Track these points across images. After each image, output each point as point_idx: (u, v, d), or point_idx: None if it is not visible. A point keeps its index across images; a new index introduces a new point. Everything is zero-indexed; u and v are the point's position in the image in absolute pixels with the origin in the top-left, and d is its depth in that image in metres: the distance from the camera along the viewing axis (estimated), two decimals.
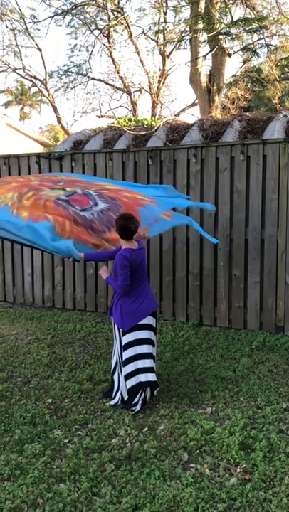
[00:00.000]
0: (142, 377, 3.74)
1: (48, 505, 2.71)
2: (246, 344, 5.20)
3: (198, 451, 3.19)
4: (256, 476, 2.87)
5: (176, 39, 10.64)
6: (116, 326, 3.82)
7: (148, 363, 3.77)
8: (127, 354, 3.74)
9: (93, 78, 17.42)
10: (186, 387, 4.15)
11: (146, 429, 3.50)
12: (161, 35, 14.31)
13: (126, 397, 3.81)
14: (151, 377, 3.77)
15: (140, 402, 3.78)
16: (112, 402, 3.89)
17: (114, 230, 3.84)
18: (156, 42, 15.30)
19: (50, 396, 4.09)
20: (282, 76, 13.15)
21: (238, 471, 2.95)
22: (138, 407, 3.76)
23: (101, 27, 15.10)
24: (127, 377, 3.75)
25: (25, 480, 2.92)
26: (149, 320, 3.77)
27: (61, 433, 3.48)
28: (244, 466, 2.98)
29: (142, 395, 3.80)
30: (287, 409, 3.74)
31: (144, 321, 3.74)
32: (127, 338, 3.74)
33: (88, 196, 4.09)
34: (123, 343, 3.75)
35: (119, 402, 3.86)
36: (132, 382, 3.74)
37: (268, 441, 3.23)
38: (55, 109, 18.54)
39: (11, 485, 2.89)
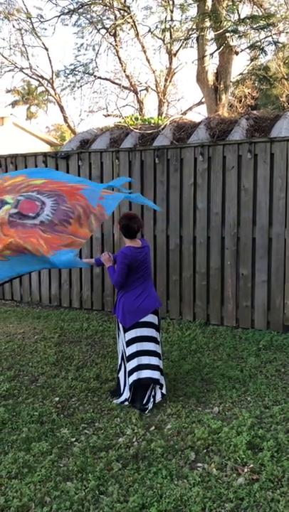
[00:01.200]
0: (144, 373, 3.75)
1: (55, 503, 2.71)
2: (253, 343, 5.18)
3: (205, 450, 3.18)
4: (264, 476, 2.86)
5: (183, 37, 10.58)
6: (119, 323, 3.86)
7: (153, 360, 3.78)
8: (130, 350, 3.78)
9: (100, 77, 17.41)
10: (193, 387, 4.14)
11: (153, 428, 3.50)
12: (167, 34, 14.25)
13: (128, 394, 3.83)
14: (155, 374, 3.77)
15: (151, 399, 3.80)
16: (119, 401, 3.89)
17: (73, 221, 3.64)
18: (163, 40, 15.25)
19: (57, 395, 4.10)
20: None
21: (246, 470, 2.93)
22: (150, 405, 3.78)
23: (107, 26, 15.08)
24: (130, 372, 3.79)
25: (32, 478, 2.93)
26: (150, 318, 3.80)
27: (68, 431, 3.48)
28: (252, 465, 2.97)
29: (152, 393, 3.81)
30: None
31: (145, 319, 3.78)
32: (129, 335, 3.78)
33: (32, 198, 3.84)
34: (126, 339, 3.81)
35: (126, 402, 3.86)
36: (134, 377, 3.77)
37: (276, 441, 3.21)
38: (61, 108, 18.56)
39: (18, 483, 2.90)
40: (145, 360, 3.76)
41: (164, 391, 3.86)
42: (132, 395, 3.83)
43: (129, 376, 3.80)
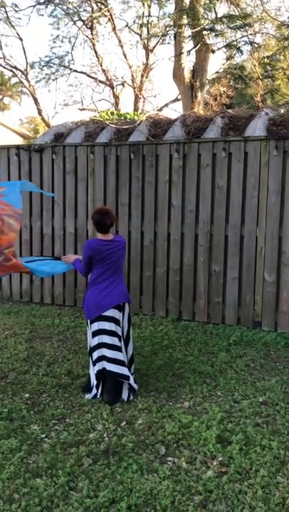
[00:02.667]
0: (110, 367, 3.82)
1: (24, 500, 2.69)
2: (224, 339, 5.26)
3: (175, 444, 3.21)
4: (232, 469, 2.91)
5: (160, 33, 10.59)
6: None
7: (115, 354, 3.82)
8: (94, 342, 3.86)
9: (75, 70, 17.22)
10: (164, 382, 4.17)
11: (124, 423, 3.51)
12: (145, 29, 14.23)
13: (94, 382, 3.91)
14: (124, 370, 3.81)
15: (95, 391, 3.88)
16: (90, 396, 3.89)
17: None
18: (140, 36, 15.21)
19: (28, 391, 4.05)
20: (265, 74, 13.26)
21: (215, 463, 2.98)
22: (90, 396, 3.88)
23: (84, 18, 14.91)
24: (94, 363, 3.88)
25: (0, 475, 2.89)
26: (111, 312, 3.82)
27: (38, 428, 3.45)
28: (220, 458, 3.02)
29: (121, 387, 3.85)
30: (263, 403, 3.80)
31: (108, 313, 3.81)
32: (93, 327, 3.85)
33: None
34: (91, 331, 3.88)
35: (97, 396, 3.87)
36: (97, 367, 3.85)
37: (244, 435, 3.27)
38: (35, 100, 18.25)
39: None
40: (107, 353, 3.82)
41: (132, 392, 3.91)
42: (102, 387, 3.87)
43: (93, 367, 3.90)
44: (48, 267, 4.22)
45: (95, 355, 3.86)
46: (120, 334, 3.87)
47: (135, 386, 3.92)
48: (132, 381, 3.87)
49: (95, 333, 3.85)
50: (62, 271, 4.42)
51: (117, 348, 3.83)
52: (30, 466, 2.99)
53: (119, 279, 3.93)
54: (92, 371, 3.93)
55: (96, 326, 3.83)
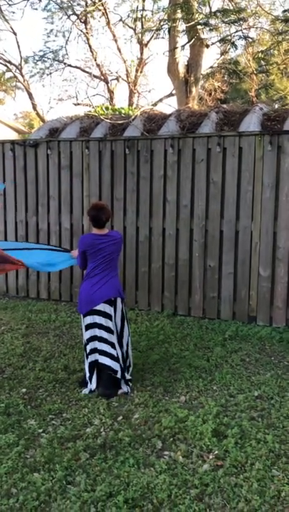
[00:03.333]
0: (103, 359, 3.86)
1: (21, 494, 2.70)
2: (220, 334, 5.29)
3: (172, 439, 3.24)
4: (228, 462, 2.94)
5: (155, 28, 10.53)
6: None
7: (106, 347, 3.85)
8: (87, 335, 3.91)
9: (70, 65, 17.11)
10: (160, 376, 4.19)
11: (120, 417, 3.53)
12: (139, 24, 14.14)
13: (87, 375, 3.96)
14: (116, 366, 3.83)
15: (90, 384, 3.91)
16: (87, 391, 3.91)
17: None
18: (134, 30, 15.13)
19: (25, 386, 4.06)
20: (259, 69, 13.23)
21: (211, 457, 3.01)
22: (86, 390, 3.90)
23: (78, 12, 14.80)
24: (87, 356, 3.93)
25: None
26: (102, 307, 3.84)
27: (35, 423, 3.47)
28: (216, 452, 3.05)
29: (93, 378, 3.92)
30: (258, 397, 3.84)
31: (99, 307, 3.84)
32: (86, 320, 3.90)
33: None
34: (84, 324, 3.92)
35: (92, 390, 3.90)
36: (91, 359, 3.90)
37: (240, 428, 3.30)
38: (30, 95, 18.12)
39: None
40: (99, 345, 3.86)
41: (129, 387, 3.93)
42: (96, 380, 3.91)
43: (86, 360, 3.94)
44: (54, 266, 4.37)
45: (88, 348, 3.92)
46: (113, 329, 3.88)
47: (126, 379, 3.95)
48: (124, 375, 3.91)
49: (87, 327, 3.90)
50: (68, 265, 4.59)
51: (109, 343, 3.86)
52: (28, 461, 3.01)
53: (112, 273, 3.93)
54: (86, 364, 3.97)
55: (88, 319, 3.88)
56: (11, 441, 3.20)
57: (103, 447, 3.15)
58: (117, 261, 4.01)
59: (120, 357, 3.89)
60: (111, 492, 2.71)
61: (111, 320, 3.88)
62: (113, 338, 3.88)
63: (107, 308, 3.86)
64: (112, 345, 3.86)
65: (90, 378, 3.95)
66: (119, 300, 3.95)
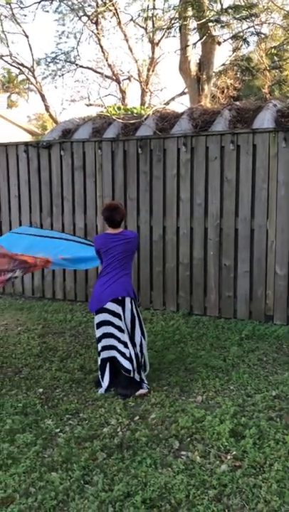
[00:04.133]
0: (116, 355, 3.88)
1: (40, 493, 2.72)
2: (236, 333, 5.24)
3: (189, 439, 3.22)
4: (246, 463, 2.91)
5: (166, 26, 10.50)
6: None
7: (119, 345, 3.86)
8: (98, 333, 3.93)
9: (81, 66, 17.21)
10: (176, 376, 4.18)
11: (137, 417, 3.52)
12: (150, 23, 14.11)
13: (99, 373, 3.98)
14: (129, 365, 3.82)
15: (103, 383, 3.92)
16: (102, 390, 3.92)
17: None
18: (145, 29, 15.11)
19: (41, 386, 4.09)
20: (272, 65, 13.10)
21: (229, 458, 2.98)
22: (102, 390, 3.91)
23: (89, 13, 14.86)
24: (99, 353, 3.95)
25: (17, 469, 2.93)
26: (110, 305, 3.85)
27: (52, 422, 3.48)
28: (234, 453, 3.02)
29: (105, 375, 3.92)
30: (276, 396, 3.79)
31: (107, 306, 3.86)
32: (97, 319, 3.93)
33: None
34: (95, 322, 3.95)
35: (106, 389, 3.92)
36: (102, 356, 3.93)
37: (258, 429, 3.27)
38: (43, 97, 18.26)
39: (2, 474, 2.89)
40: (113, 342, 3.87)
41: (145, 385, 3.92)
42: (109, 378, 3.92)
43: (99, 356, 3.95)
44: (83, 263, 4.48)
45: (100, 345, 3.93)
46: (124, 328, 3.86)
47: (141, 379, 3.93)
48: (141, 375, 3.90)
49: (98, 325, 3.93)
50: (94, 266, 4.77)
51: (122, 342, 3.86)
52: (46, 460, 3.02)
53: (123, 272, 3.89)
54: (98, 363, 3.99)
55: (98, 318, 3.91)
56: (29, 440, 3.23)
57: (120, 447, 3.15)
58: (129, 260, 3.98)
59: (134, 357, 3.86)
60: (129, 492, 2.70)
61: (120, 319, 3.87)
62: (125, 337, 3.86)
63: (115, 307, 3.86)
64: (125, 344, 3.85)
65: (102, 377, 3.95)
66: (128, 300, 3.89)
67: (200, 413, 3.47)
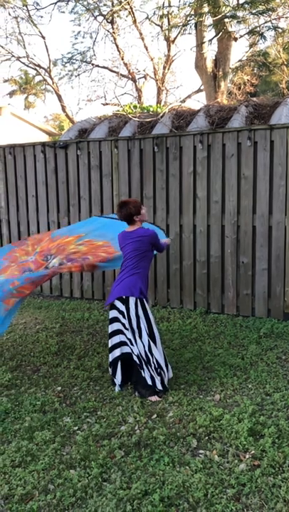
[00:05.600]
0: (117, 352, 3.90)
1: (58, 491, 2.74)
2: (254, 331, 5.19)
3: (207, 437, 3.20)
4: (265, 462, 2.88)
5: (181, 23, 10.44)
6: None
7: (127, 341, 3.87)
8: (110, 329, 3.97)
9: (97, 65, 17.25)
10: (194, 375, 4.16)
11: (155, 416, 3.52)
12: (165, 20, 14.06)
13: (110, 370, 4.00)
14: (126, 349, 3.88)
15: (115, 381, 3.94)
16: (117, 389, 3.94)
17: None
18: (161, 27, 15.06)
19: (60, 384, 4.12)
20: None
21: (247, 457, 2.96)
22: (117, 388, 3.93)
23: (104, 13, 14.89)
24: (109, 350, 3.99)
25: (36, 466, 2.96)
26: (117, 303, 3.87)
27: (71, 420, 3.51)
28: (253, 452, 2.99)
29: (116, 373, 3.93)
30: None
31: (115, 303, 3.89)
32: (109, 314, 3.98)
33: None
34: (108, 318, 4.03)
35: (120, 383, 3.95)
36: (113, 354, 3.95)
37: (277, 428, 3.23)
38: (59, 97, 18.39)
39: (22, 471, 2.92)
40: (121, 338, 3.89)
41: (161, 390, 3.84)
42: (122, 374, 3.93)
43: (109, 352, 3.99)
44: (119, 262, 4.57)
45: (110, 342, 3.95)
46: (128, 326, 3.82)
47: (154, 383, 3.81)
48: (146, 375, 3.83)
49: (109, 321, 3.97)
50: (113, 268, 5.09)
51: (128, 338, 3.87)
52: (64, 458, 3.05)
53: (133, 271, 3.83)
54: (109, 360, 4.02)
55: (110, 314, 3.96)
56: (48, 438, 3.26)
57: (138, 445, 3.15)
58: (143, 259, 3.84)
59: (142, 355, 3.79)
60: (146, 490, 2.70)
61: (124, 317, 3.85)
62: (130, 335, 3.83)
63: (120, 305, 3.86)
64: (130, 341, 3.85)
65: (114, 373, 3.96)
66: (131, 300, 3.78)
67: (218, 412, 3.45)
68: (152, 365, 3.80)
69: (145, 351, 3.80)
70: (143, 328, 3.80)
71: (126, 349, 3.89)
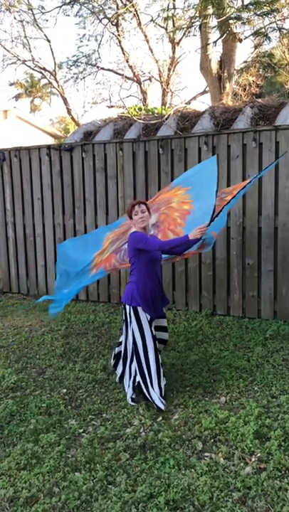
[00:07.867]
0: (121, 348, 4.02)
1: (63, 493, 2.74)
2: (260, 333, 5.16)
3: (212, 440, 3.19)
4: (271, 465, 2.86)
5: (186, 25, 10.45)
6: None
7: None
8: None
9: (102, 68, 17.28)
10: (199, 377, 4.14)
11: (160, 418, 3.51)
12: (170, 22, 14.07)
13: (113, 360, 4.18)
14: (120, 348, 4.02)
15: (118, 372, 4.09)
16: (119, 380, 4.09)
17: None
18: (166, 29, 15.07)
19: (65, 386, 4.12)
20: None
21: (253, 459, 2.94)
22: (117, 379, 4.08)
23: (109, 15, 14.92)
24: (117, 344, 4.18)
25: (41, 469, 2.96)
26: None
27: (76, 423, 3.51)
28: (259, 455, 2.97)
29: (120, 368, 4.04)
30: None
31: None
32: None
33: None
34: None
35: (119, 375, 4.07)
36: (118, 346, 4.13)
37: (283, 430, 3.21)
38: (65, 100, 18.44)
39: (27, 474, 2.92)
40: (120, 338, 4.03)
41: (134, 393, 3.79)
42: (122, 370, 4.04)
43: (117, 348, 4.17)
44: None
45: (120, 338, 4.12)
46: (123, 329, 3.87)
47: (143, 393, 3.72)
48: (125, 382, 3.90)
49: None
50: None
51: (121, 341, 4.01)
52: (69, 460, 3.04)
53: (130, 278, 3.81)
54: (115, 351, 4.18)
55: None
56: (53, 440, 3.26)
57: (143, 448, 3.14)
58: (135, 263, 3.73)
59: (127, 360, 3.85)
60: (152, 493, 2.69)
61: (125, 324, 3.85)
62: (122, 338, 3.96)
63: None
64: (121, 343, 3.97)
65: (116, 366, 4.10)
66: (127, 307, 3.73)
67: (224, 414, 3.43)
68: (132, 373, 3.80)
69: (130, 361, 3.85)
70: (129, 336, 3.77)
71: (120, 348, 4.03)
